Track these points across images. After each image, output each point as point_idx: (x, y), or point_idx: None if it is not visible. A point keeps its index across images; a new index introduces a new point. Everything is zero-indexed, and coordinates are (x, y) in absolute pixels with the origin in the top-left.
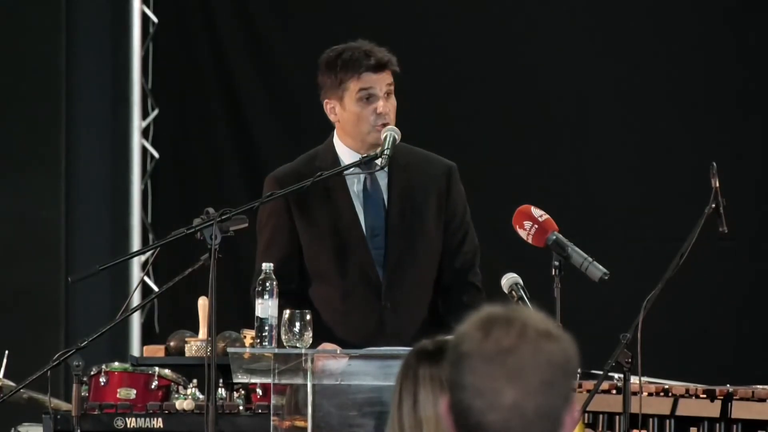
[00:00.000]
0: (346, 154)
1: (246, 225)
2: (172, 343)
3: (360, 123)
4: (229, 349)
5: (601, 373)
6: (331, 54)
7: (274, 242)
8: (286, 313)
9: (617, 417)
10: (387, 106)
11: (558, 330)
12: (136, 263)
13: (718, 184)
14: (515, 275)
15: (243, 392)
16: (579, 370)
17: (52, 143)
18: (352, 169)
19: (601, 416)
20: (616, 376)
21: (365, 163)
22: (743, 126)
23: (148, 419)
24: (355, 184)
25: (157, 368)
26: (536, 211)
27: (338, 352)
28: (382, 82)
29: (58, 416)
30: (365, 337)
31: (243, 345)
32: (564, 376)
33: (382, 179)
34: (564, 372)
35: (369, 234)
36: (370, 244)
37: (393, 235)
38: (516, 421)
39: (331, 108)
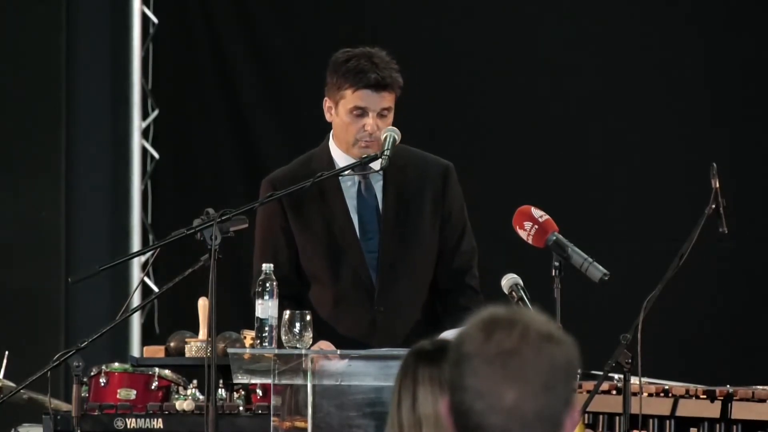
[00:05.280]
0: (341, 157)
1: (246, 225)
2: (172, 344)
3: (347, 134)
4: (230, 350)
5: (601, 373)
6: (341, 57)
7: (270, 246)
8: (286, 313)
9: (617, 418)
10: (376, 125)
11: (560, 333)
12: (136, 264)
13: (718, 185)
14: (515, 276)
15: (243, 393)
16: (579, 372)
17: (52, 144)
18: (346, 171)
19: (601, 417)
20: (616, 376)
21: (364, 165)
22: (744, 126)
23: (148, 420)
24: (350, 186)
25: (157, 369)
26: (536, 212)
27: (338, 353)
28: (378, 102)
29: (58, 417)
30: (358, 339)
31: (243, 345)
32: (565, 379)
33: (378, 181)
34: (565, 375)
35: (362, 237)
36: (363, 246)
37: (387, 238)
38: (516, 424)
39: (328, 108)
